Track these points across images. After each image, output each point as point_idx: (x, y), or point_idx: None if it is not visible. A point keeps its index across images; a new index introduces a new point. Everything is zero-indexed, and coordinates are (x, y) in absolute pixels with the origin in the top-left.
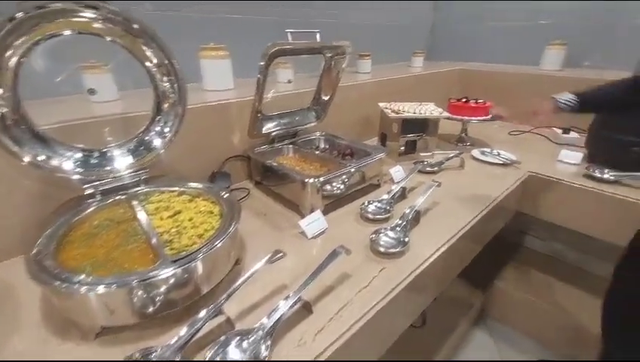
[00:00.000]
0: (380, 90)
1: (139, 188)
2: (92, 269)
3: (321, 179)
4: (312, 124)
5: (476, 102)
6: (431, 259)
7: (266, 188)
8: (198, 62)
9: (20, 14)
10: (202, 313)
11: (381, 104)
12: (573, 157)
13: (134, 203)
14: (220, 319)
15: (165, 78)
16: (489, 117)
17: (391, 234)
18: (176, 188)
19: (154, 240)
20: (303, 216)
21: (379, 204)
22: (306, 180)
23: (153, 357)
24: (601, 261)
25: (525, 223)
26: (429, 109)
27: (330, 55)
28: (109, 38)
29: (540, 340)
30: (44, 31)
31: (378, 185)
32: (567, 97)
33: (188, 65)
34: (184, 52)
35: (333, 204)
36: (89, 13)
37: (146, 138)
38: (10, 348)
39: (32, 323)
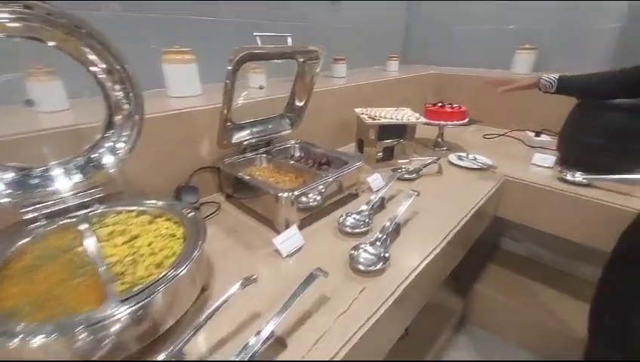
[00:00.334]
0: (356, 94)
1: (92, 209)
2: (32, 310)
3: (296, 192)
4: (287, 132)
5: (452, 107)
6: (413, 274)
7: (238, 202)
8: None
9: None
10: (161, 356)
11: (357, 110)
12: (546, 160)
13: (84, 227)
14: None
15: (117, 87)
16: (465, 121)
17: (371, 249)
18: (135, 208)
19: (103, 274)
20: (277, 232)
21: (357, 217)
22: (280, 194)
23: None
24: (575, 261)
25: (500, 225)
26: (405, 115)
27: (302, 60)
28: (50, 43)
29: (521, 343)
30: None
31: (356, 195)
32: (549, 76)
33: (153, 70)
34: (150, 55)
35: (310, 217)
36: (7, 14)
37: (95, 155)
38: None
39: None
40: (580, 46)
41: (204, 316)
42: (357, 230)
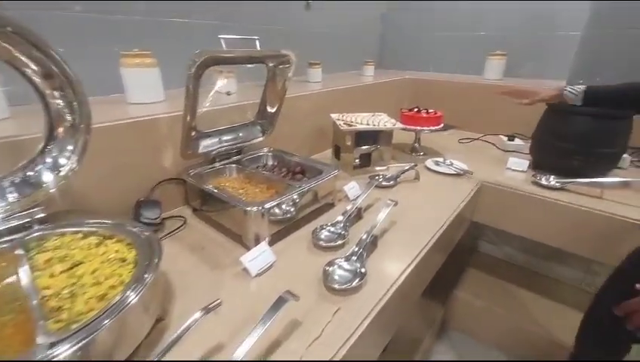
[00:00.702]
0: (332, 100)
1: (29, 232)
2: None
3: (266, 205)
4: (259, 140)
5: (427, 113)
6: (392, 290)
7: (205, 216)
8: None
9: None
10: None
11: (333, 115)
12: (520, 164)
13: (20, 253)
14: None
15: (57, 94)
16: (440, 126)
17: (346, 265)
18: (82, 229)
19: (34, 310)
20: (247, 248)
21: (332, 229)
22: (248, 208)
23: None
24: (552, 263)
25: (478, 228)
26: (382, 120)
27: (273, 64)
28: None
29: (502, 347)
30: None
31: (333, 204)
32: (574, 88)
33: (117, 75)
34: (112, 59)
35: (283, 230)
36: None
37: (32, 172)
38: None
39: None
40: (544, 52)
41: (156, 353)
42: (332, 244)
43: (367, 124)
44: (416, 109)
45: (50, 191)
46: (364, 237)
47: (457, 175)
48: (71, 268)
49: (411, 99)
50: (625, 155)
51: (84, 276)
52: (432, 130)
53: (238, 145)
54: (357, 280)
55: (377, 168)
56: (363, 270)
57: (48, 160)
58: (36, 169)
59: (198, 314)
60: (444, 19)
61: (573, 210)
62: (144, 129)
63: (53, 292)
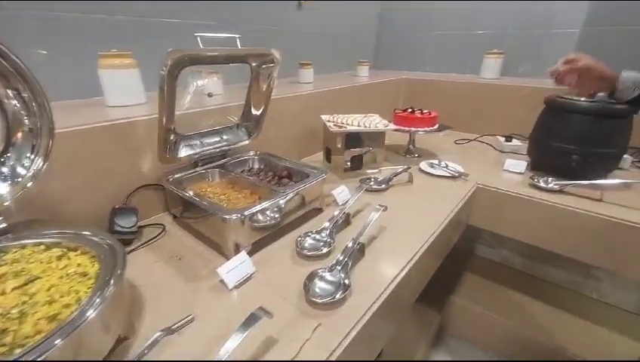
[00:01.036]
0: (323, 101)
1: None
2: None
3: (246, 213)
4: (244, 143)
5: (421, 113)
6: (379, 302)
7: (186, 224)
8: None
9: None
10: None
11: (324, 116)
12: (517, 166)
13: None
14: None
15: (12, 93)
16: (435, 127)
17: (329, 277)
18: (45, 240)
19: None
20: (227, 258)
21: (318, 236)
22: (227, 216)
23: None
24: (551, 267)
25: (475, 232)
26: (374, 122)
27: (256, 64)
28: None
29: (501, 353)
30: None
31: (321, 210)
32: (632, 75)
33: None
34: (93, 60)
35: (267, 237)
36: None
37: None
38: None
39: None
40: (542, 51)
41: None
42: (316, 252)
43: (359, 126)
44: (410, 110)
45: (5, 203)
46: (350, 245)
47: (452, 177)
48: (25, 284)
49: (407, 100)
50: (626, 156)
51: (37, 293)
52: (426, 131)
53: (222, 148)
54: (340, 293)
55: (368, 171)
56: (347, 281)
57: (4, 169)
58: None
59: (158, 334)
60: (441, 18)
61: (572, 214)
62: (120, 133)
63: (2, 312)
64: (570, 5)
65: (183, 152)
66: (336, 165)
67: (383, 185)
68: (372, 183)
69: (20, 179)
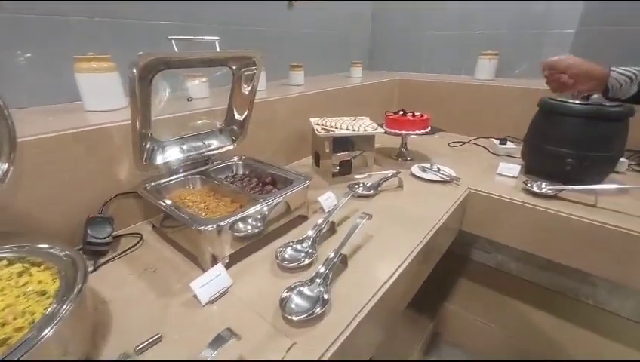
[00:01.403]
0: (314, 103)
1: None
2: None
3: (222, 223)
4: (228, 148)
5: (413, 115)
6: (360, 316)
7: (164, 233)
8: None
9: None
10: None
11: (313, 120)
12: (511, 169)
13: None
14: None
15: None
16: (427, 130)
17: (307, 291)
18: (9, 255)
19: None
20: (203, 270)
21: (299, 247)
22: (202, 228)
23: None
24: (547, 272)
25: (470, 236)
26: (363, 125)
27: (236, 67)
28: None
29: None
30: None
31: (306, 217)
32: (624, 71)
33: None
34: (69, 64)
35: (247, 247)
36: None
37: None
38: None
39: None
40: (538, 51)
41: None
42: (296, 264)
43: (347, 129)
44: (401, 112)
45: None
46: (332, 255)
47: (444, 182)
48: None
49: (401, 101)
50: (622, 159)
51: None
52: (418, 135)
53: (204, 154)
54: (318, 309)
55: (357, 176)
56: (326, 296)
57: None
58: None
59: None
60: (435, 18)
61: (565, 220)
62: (94, 139)
63: None
64: (565, 5)
65: (161, 159)
66: (325, 170)
67: (372, 191)
68: (360, 189)
69: None
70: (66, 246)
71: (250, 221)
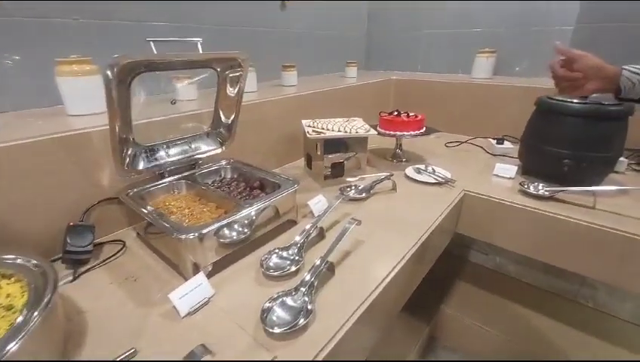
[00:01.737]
0: (308, 104)
1: None
2: None
3: (204, 231)
4: (215, 152)
5: (408, 116)
6: (346, 327)
7: (147, 241)
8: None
9: None
10: None
11: (304, 121)
12: (507, 170)
13: None
14: None
15: None
16: (421, 131)
17: (290, 302)
18: None
19: None
20: (186, 279)
21: (284, 254)
22: (182, 236)
23: None
24: (547, 275)
25: (467, 238)
26: (355, 127)
27: (221, 69)
28: None
29: None
30: None
31: (295, 222)
32: (636, 69)
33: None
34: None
35: (233, 254)
36: None
37: None
38: None
39: None
40: (537, 49)
41: None
42: (281, 272)
43: (339, 131)
44: (396, 113)
45: None
46: (318, 262)
47: (438, 184)
48: None
49: (397, 101)
50: (621, 158)
51: None
52: (412, 136)
53: (191, 158)
54: (301, 320)
55: (349, 179)
56: (310, 306)
57: None
58: None
59: None
60: (432, 16)
61: (563, 223)
62: (76, 144)
63: None
64: (563, 2)
65: (144, 164)
66: (316, 172)
67: (364, 194)
68: (352, 192)
69: None
70: (35, 256)
71: (234, 227)
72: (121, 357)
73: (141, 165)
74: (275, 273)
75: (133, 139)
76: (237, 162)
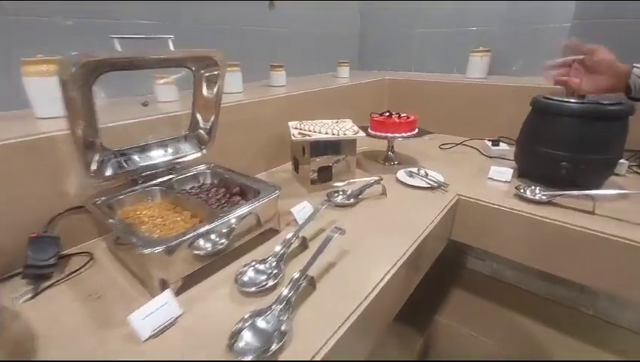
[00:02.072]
0: (297, 105)
1: None
2: None
3: (172, 243)
4: (193, 156)
5: (399, 117)
6: (326, 349)
7: (116, 252)
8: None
9: None
10: None
11: (291, 123)
12: (503, 173)
13: None
14: None
15: None
16: (414, 132)
17: (261, 324)
18: None
19: None
20: (152, 296)
21: (262, 267)
22: (147, 250)
23: None
24: (544, 281)
25: (462, 243)
26: (344, 128)
27: (196, 68)
28: None
29: None
30: None
31: (277, 231)
32: None
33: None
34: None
35: (206, 268)
36: None
37: None
38: None
39: None
40: (531, 47)
41: None
42: (256, 289)
43: (327, 133)
44: (387, 113)
45: None
46: (297, 276)
47: (431, 188)
48: None
49: (391, 102)
50: (622, 160)
51: None
52: (404, 137)
53: (166, 163)
54: (274, 345)
55: (336, 184)
56: (284, 327)
57: None
58: None
59: None
60: (426, 15)
61: (562, 229)
62: (39, 149)
63: None
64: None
65: (112, 170)
66: (304, 176)
67: (352, 200)
68: (339, 197)
69: None
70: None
71: (208, 238)
72: None
73: (109, 171)
74: (251, 289)
75: (101, 143)
76: (217, 167)
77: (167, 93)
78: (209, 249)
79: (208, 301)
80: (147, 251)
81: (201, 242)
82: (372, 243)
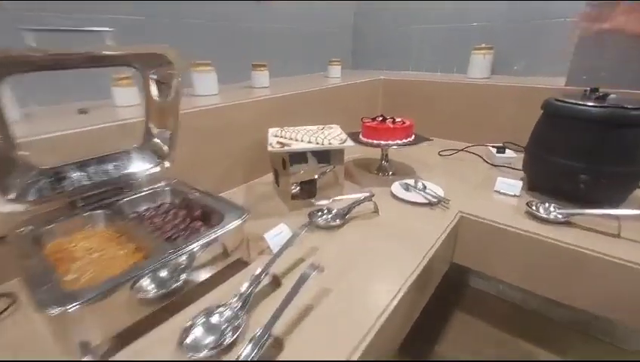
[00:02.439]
0: (281, 108)
1: None
2: None
3: (88, 296)
4: (149, 172)
5: (394, 122)
6: None
7: None
8: None
9: None
10: None
11: (271, 130)
12: (512, 186)
13: None
14: None
15: None
16: (410, 139)
17: None
18: None
19: None
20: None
21: (215, 320)
22: (48, 310)
23: None
24: (554, 304)
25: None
26: (330, 136)
27: (142, 67)
28: None
29: None
30: None
31: (246, 263)
32: None
33: None
34: None
35: (153, 315)
36: None
37: None
38: None
39: None
40: (537, 44)
41: None
42: (205, 354)
43: (310, 142)
44: (380, 118)
45: None
46: (258, 333)
47: (430, 204)
48: None
49: (385, 104)
50: None
51: None
52: (398, 145)
53: (113, 181)
54: None
55: (318, 203)
56: None
57: None
58: None
59: None
60: (425, 11)
61: (582, 256)
62: None
63: None
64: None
65: (37, 193)
66: (284, 190)
67: (338, 221)
68: (324, 217)
69: None
70: None
71: (150, 281)
72: None
73: (34, 194)
74: (198, 354)
75: (24, 160)
76: (180, 183)
77: (126, 96)
78: (150, 295)
79: None
80: (51, 312)
81: (141, 286)
82: (359, 278)
